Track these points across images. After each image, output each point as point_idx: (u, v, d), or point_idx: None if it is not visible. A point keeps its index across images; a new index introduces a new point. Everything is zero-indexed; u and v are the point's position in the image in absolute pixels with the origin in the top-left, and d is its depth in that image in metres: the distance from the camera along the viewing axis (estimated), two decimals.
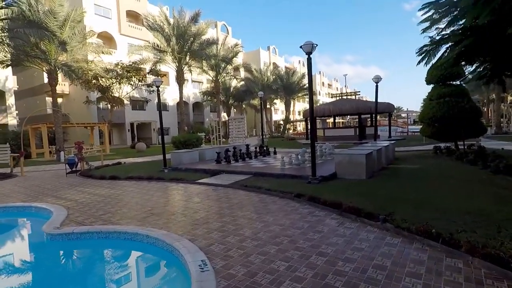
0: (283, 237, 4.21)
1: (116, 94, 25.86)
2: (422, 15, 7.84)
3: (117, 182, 9.82)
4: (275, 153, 15.13)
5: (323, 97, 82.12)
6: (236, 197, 6.87)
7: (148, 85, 26.21)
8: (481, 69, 7.50)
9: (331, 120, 34.95)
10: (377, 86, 13.91)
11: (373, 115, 31.26)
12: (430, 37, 7.49)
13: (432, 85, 12.46)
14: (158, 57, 25.71)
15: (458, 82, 12.04)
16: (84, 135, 28.20)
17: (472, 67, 8.89)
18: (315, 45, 7.58)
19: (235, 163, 11.91)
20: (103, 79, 22.59)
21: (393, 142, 12.62)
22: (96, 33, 22.90)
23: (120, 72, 23.34)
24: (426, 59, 7.35)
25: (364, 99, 23.51)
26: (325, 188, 7.09)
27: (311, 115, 8.01)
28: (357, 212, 4.93)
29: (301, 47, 7.68)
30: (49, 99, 26.97)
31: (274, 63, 51.66)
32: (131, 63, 24.49)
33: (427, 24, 7.90)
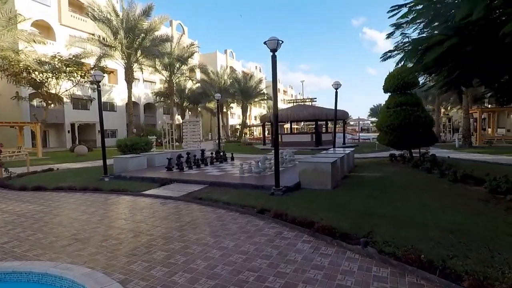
0: (247, 272, 3.30)
1: (54, 91, 22.79)
2: (389, 17, 7.50)
3: (42, 195, 8.06)
4: (232, 159, 14.21)
5: (278, 103, 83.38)
6: (188, 213, 5.80)
7: (92, 82, 23.53)
8: (443, 77, 7.42)
9: (287, 126, 35.06)
10: (336, 93, 13.80)
11: (331, 121, 32.10)
12: (403, 41, 7.19)
13: (389, 94, 12.63)
14: (104, 52, 23.22)
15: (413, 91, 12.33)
16: (12, 136, 24.45)
17: (431, 75, 8.93)
18: (281, 42, 6.89)
19: (188, 171, 10.73)
20: (36, 73, 19.59)
21: (352, 149, 12.49)
22: (27, 19, 19.82)
23: (58, 66, 20.51)
24: (402, 62, 7.03)
25: (318, 106, 23.84)
26: (291, 200, 6.36)
27: (275, 118, 7.28)
28: (331, 233, 4.22)
29: (265, 43, 6.94)
30: None
31: (231, 67, 50.87)
32: (71, 57, 21.74)
33: (391, 29, 7.69)
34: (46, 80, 21.03)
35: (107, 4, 22.47)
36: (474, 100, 23.51)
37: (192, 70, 39.40)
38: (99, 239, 4.47)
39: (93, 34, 23.17)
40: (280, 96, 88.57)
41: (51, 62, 20.45)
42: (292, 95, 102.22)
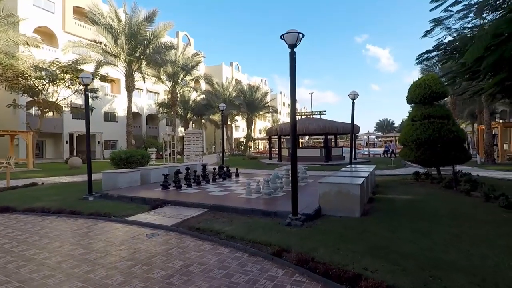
0: None
1: (52, 99, 21.75)
2: (431, 10, 6.18)
3: (5, 219, 6.64)
4: (237, 175, 12.78)
5: (283, 117, 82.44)
6: (181, 253, 4.34)
7: (91, 90, 22.49)
8: (497, 81, 6.07)
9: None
10: (353, 103, 12.47)
11: (340, 135, 30.44)
12: (443, 40, 5.90)
13: (413, 105, 11.25)
14: (104, 58, 22.26)
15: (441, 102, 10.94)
16: (5, 146, 23.32)
17: (474, 81, 7.58)
18: (301, 36, 5.58)
19: (187, 189, 9.31)
20: (33, 79, 18.54)
21: (373, 166, 11.02)
22: (22, 19, 18.85)
23: (56, 72, 19.49)
24: (449, 61, 5.70)
25: (327, 119, 22.53)
26: (314, 235, 4.90)
27: (293, 127, 5.86)
28: None
29: (282, 36, 5.64)
30: None
31: (236, 79, 50.09)
32: (71, 63, 20.76)
33: (428, 27, 6.40)
34: (42, 87, 19.99)
35: (109, 10, 21.66)
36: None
37: (197, 81, 38.51)
38: None
39: (94, 41, 22.27)
40: (285, 109, 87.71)
41: (49, 68, 19.46)
42: (297, 108, 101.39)
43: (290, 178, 9.59)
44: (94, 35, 22.75)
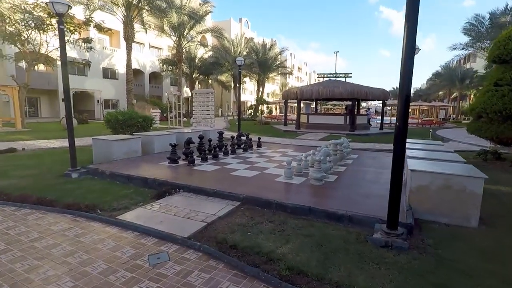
0: None
1: (42, 50, 18.94)
2: None
3: None
4: (259, 145, 10.52)
5: (291, 80, 78.10)
6: None
7: (85, 40, 19.51)
8: None
9: (312, 105, 30.82)
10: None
11: (365, 101, 27.06)
12: None
13: (497, 65, 8.55)
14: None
15: None
16: (4, 104, 21.15)
17: None
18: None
19: (202, 164, 7.12)
20: (12, 21, 15.64)
21: (439, 143, 8.62)
22: None
23: (43, 16, 16.50)
24: None
25: (354, 83, 19.53)
26: (437, 268, 2.72)
27: (405, 87, 3.40)
28: None
29: None
30: None
31: (246, 37, 45.92)
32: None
33: None
34: (28, 34, 17.12)
35: None
36: None
37: (203, 37, 34.84)
38: None
39: None
40: (295, 73, 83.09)
41: (33, 11, 16.42)
42: (306, 72, 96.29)
43: (339, 155, 7.33)
44: None
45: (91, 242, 3.40)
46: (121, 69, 31.79)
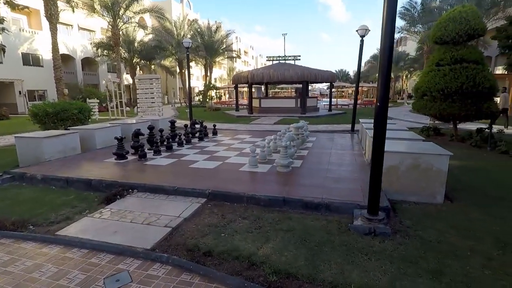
0: None
1: None
2: None
3: None
4: (214, 133, 9.96)
5: (238, 65, 77.16)
6: None
7: None
8: None
9: (263, 89, 30.59)
10: (362, 41, 9.93)
11: (313, 84, 27.51)
12: None
13: (439, 46, 9.06)
14: None
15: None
16: None
17: None
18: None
19: (155, 158, 6.40)
20: None
21: (394, 123, 9.02)
22: None
23: None
24: None
25: (304, 66, 19.74)
26: (425, 253, 2.65)
27: (385, 66, 3.18)
28: None
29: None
30: None
31: (189, 19, 43.50)
32: None
33: None
34: None
35: None
36: None
37: (141, 19, 31.99)
38: None
39: None
40: (241, 57, 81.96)
41: None
42: (253, 56, 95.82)
43: (300, 139, 7.17)
44: None
45: (24, 271, 2.66)
46: (46, 54, 27.78)
